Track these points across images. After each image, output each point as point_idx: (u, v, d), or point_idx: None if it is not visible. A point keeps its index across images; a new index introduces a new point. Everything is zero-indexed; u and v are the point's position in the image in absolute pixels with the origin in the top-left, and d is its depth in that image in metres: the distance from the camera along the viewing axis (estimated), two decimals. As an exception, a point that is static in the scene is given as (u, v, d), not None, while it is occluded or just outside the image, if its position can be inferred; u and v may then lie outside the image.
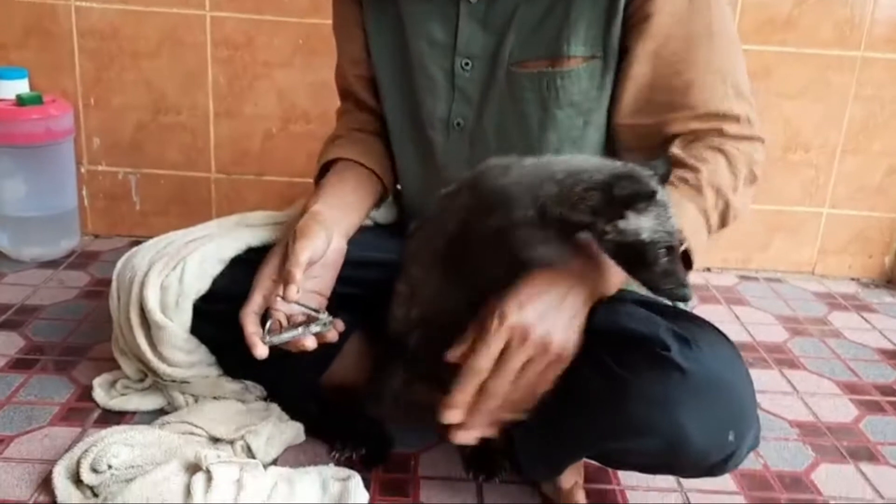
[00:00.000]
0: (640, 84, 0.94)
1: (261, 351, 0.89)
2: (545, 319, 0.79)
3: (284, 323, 0.92)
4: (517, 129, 0.99)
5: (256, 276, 0.96)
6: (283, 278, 0.89)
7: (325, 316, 0.93)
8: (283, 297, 0.88)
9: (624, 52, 0.94)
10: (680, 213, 0.82)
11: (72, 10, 1.71)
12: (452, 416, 0.80)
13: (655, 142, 0.95)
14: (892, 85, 1.79)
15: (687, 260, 0.87)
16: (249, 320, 0.91)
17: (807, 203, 1.87)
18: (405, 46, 1.03)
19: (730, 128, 0.92)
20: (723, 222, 0.92)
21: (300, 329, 0.91)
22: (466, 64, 0.99)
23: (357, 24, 1.09)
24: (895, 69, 1.78)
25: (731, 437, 0.84)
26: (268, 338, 0.90)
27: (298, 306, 0.91)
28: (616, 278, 0.85)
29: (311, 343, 0.91)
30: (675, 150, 0.92)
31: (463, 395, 0.80)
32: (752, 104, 0.95)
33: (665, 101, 0.93)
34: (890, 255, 1.93)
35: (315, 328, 0.91)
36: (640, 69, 0.93)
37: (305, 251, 0.90)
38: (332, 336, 0.93)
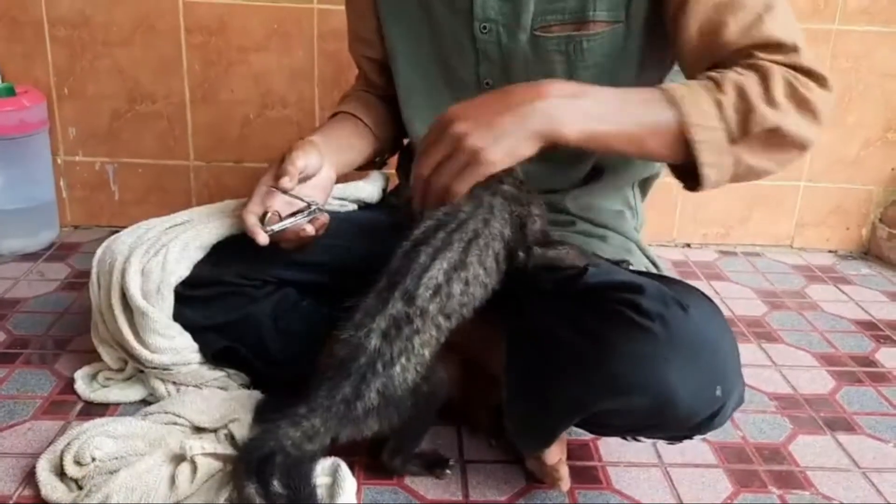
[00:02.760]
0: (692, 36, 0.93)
1: (262, 238, 0.97)
2: (480, 132, 0.83)
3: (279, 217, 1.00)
4: None
5: (255, 188, 1.02)
6: (278, 174, 0.98)
7: (315, 203, 1.01)
8: (277, 188, 0.97)
9: (669, 21, 0.95)
10: (691, 100, 0.84)
11: (41, -2, 1.69)
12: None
13: None
14: (867, 57, 1.80)
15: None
16: (249, 216, 0.99)
17: (784, 177, 1.88)
18: (430, 15, 1.08)
19: (765, 53, 0.89)
20: (745, 127, 0.85)
21: (296, 217, 0.99)
22: (485, 28, 1.04)
23: (369, 8, 1.14)
24: (870, 41, 1.79)
25: (718, 393, 0.85)
26: (268, 227, 0.98)
27: (291, 197, 0.99)
28: (575, 118, 0.85)
29: (309, 229, 1.00)
30: (710, 72, 0.90)
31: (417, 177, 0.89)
32: (798, 37, 0.90)
33: (712, 47, 0.92)
34: (867, 226, 1.95)
35: (308, 216, 1.00)
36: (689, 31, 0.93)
37: (300, 158, 0.99)
38: (325, 218, 1.02)
